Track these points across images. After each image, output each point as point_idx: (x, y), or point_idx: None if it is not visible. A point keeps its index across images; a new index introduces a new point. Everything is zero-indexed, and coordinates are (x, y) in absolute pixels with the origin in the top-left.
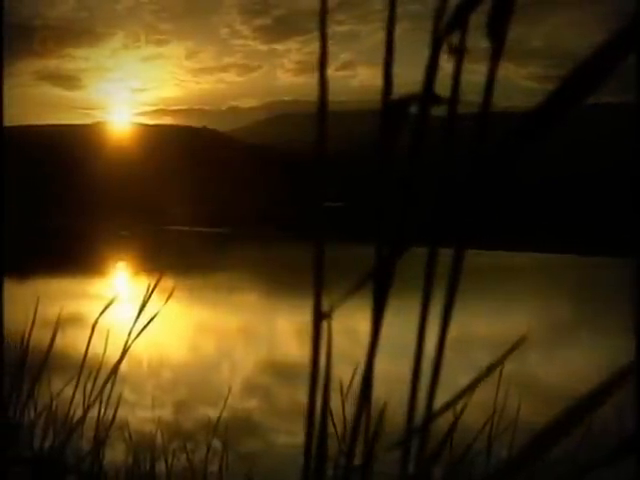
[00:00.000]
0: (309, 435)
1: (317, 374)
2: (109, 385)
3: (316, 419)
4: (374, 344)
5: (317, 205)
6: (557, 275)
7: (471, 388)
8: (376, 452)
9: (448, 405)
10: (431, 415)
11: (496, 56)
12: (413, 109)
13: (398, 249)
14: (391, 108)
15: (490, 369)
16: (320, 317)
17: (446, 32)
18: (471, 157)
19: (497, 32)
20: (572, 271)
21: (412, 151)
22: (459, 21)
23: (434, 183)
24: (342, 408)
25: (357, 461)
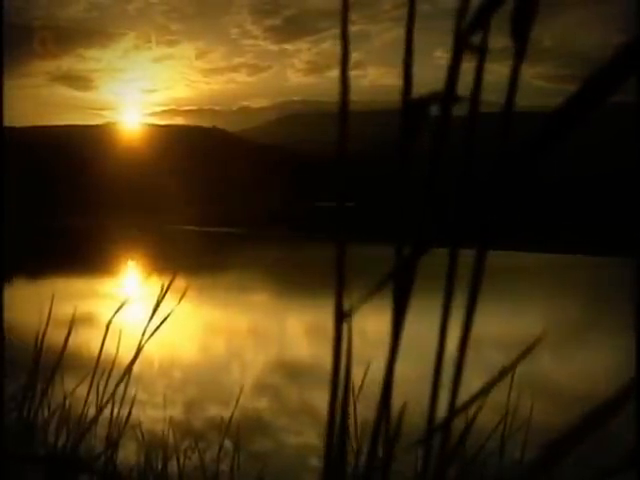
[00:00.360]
0: (330, 435)
1: (338, 374)
2: (122, 385)
3: (336, 419)
4: (395, 345)
5: (338, 205)
6: (568, 275)
7: (490, 387)
8: (396, 452)
9: (469, 403)
10: (453, 413)
11: (519, 56)
12: (434, 109)
13: (419, 250)
14: (411, 108)
15: (508, 369)
16: (341, 317)
17: (468, 32)
18: (494, 157)
19: (520, 32)
20: (583, 271)
21: (434, 151)
22: (481, 21)
23: (455, 183)
24: (353, 408)
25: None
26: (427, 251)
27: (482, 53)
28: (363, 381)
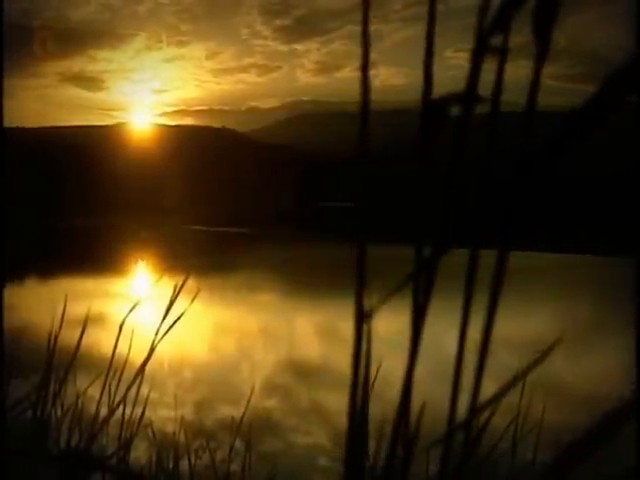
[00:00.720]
0: (351, 434)
1: (358, 374)
2: (133, 384)
3: (357, 419)
4: (415, 346)
5: (359, 205)
6: (580, 276)
7: (508, 388)
8: (416, 452)
9: (489, 402)
10: (474, 412)
11: (542, 55)
12: (454, 109)
13: (440, 250)
14: (431, 108)
15: (526, 370)
16: (362, 317)
17: (489, 32)
18: (514, 156)
19: (542, 31)
20: (595, 272)
21: (454, 151)
22: (502, 21)
23: (476, 182)
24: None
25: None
26: (447, 251)
27: (503, 54)
28: (374, 380)
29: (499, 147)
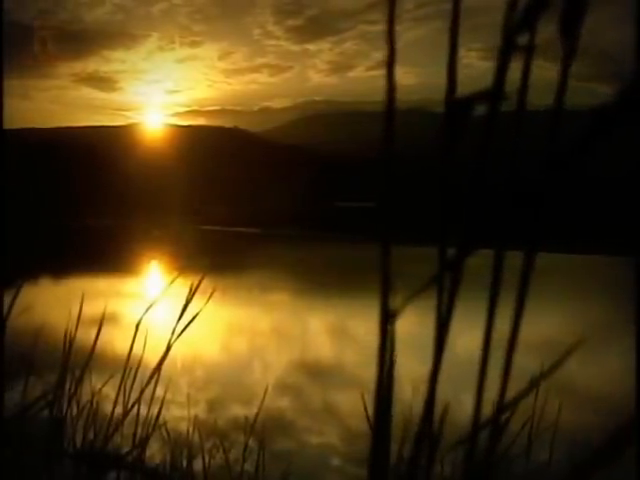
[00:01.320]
0: (377, 434)
1: (384, 376)
2: (149, 383)
3: (382, 418)
4: (440, 348)
5: (384, 205)
6: (589, 275)
7: (530, 389)
8: (440, 452)
9: (517, 399)
10: (500, 410)
11: (569, 55)
12: (480, 109)
13: (465, 250)
14: (455, 107)
15: (551, 369)
16: (387, 317)
17: (516, 30)
18: (543, 156)
19: (570, 30)
20: (603, 271)
21: (480, 151)
22: (529, 19)
23: (500, 183)
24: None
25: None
26: (473, 252)
27: (530, 52)
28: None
29: (522, 146)
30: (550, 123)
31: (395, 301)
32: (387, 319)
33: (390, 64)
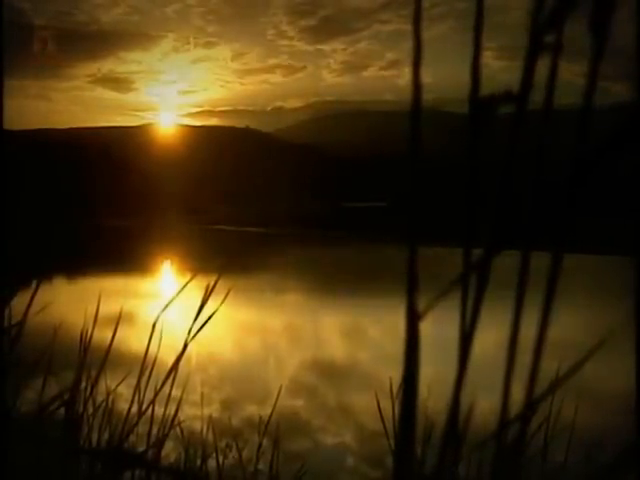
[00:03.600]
0: (403, 437)
1: (412, 375)
2: (166, 383)
3: (409, 421)
4: (466, 349)
5: (409, 205)
6: (601, 276)
7: (559, 384)
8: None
9: (543, 396)
10: (528, 407)
11: (598, 54)
12: (506, 108)
13: (492, 251)
14: (480, 107)
15: (574, 369)
16: (414, 318)
17: (543, 30)
18: (572, 157)
19: (599, 28)
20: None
21: (507, 151)
22: (557, 19)
23: (527, 184)
24: (392, 409)
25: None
26: (499, 252)
27: (557, 51)
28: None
29: (549, 146)
30: (578, 123)
31: (420, 302)
32: (414, 320)
33: (416, 63)
